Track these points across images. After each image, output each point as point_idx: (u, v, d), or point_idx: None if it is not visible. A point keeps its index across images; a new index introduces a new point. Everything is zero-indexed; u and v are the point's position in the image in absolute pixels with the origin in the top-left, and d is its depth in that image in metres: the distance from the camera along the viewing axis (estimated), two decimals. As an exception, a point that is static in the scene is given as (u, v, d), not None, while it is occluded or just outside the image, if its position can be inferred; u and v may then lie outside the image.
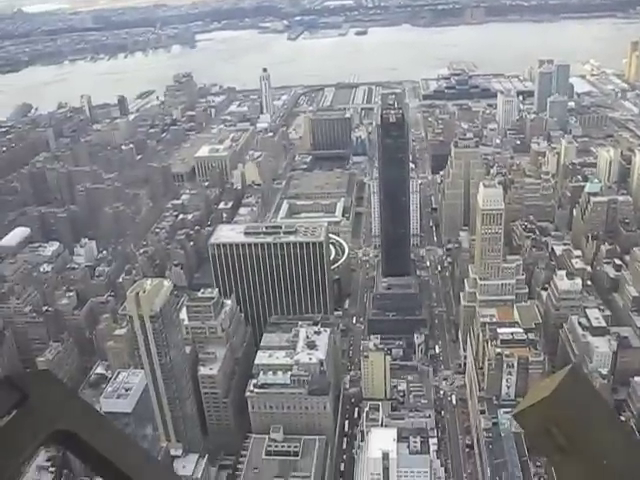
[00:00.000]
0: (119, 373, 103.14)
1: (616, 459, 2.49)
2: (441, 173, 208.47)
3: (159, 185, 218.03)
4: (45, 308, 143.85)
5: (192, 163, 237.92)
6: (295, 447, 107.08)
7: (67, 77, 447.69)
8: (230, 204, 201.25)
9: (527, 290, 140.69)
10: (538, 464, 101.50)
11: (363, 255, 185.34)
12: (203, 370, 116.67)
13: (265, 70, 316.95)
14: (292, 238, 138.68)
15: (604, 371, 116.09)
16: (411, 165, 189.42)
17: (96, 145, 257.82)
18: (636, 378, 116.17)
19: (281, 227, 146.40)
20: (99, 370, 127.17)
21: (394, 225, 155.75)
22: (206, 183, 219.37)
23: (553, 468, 2.71)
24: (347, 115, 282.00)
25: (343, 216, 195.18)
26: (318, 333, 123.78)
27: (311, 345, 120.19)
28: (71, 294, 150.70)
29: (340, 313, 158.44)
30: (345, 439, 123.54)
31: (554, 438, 2.58)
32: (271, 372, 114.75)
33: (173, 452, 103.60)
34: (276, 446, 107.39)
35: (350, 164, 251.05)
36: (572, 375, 2.71)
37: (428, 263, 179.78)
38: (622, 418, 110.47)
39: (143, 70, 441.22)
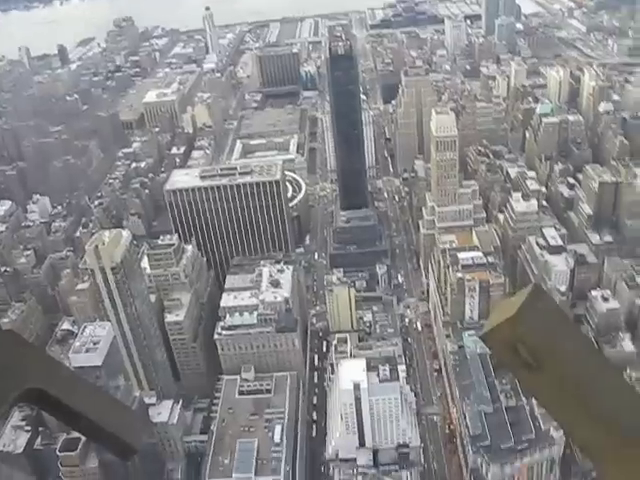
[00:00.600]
0: (85, 327, 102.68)
1: (581, 371, 2.62)
2: (393, 103, 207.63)
3: (108, 134, 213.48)
4: (3, 269, 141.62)
5: (140, 110, 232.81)
6: (267, 385, 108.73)
7: (1, 29, 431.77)
8: (182, 149, 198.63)
9: (484, 214, 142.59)
10: (504, 382, 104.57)
11: (320, 190, 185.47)
12: (169, 317, 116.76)
13: (208, 9, 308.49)
14: (248, 179, 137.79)
15: (562, 288, 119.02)
16: (362, 97, 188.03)
17: (39, 98, 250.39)
18: (593, 292, 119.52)
19: (236, 168, 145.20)
20: (65, 326, 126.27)
21: (349, 158, 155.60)
22: (156, 129, 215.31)
23: (521, 384, 2.82)
24: (295, 50, 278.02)
25: (297, 153, 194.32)
26: (281, 271, 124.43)
27: (275, 283, 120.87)
28: (29, 252, 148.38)
29: (302, 250, 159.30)
30: (316, 373, 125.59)
31: (520, 356, 2.67)
32: (237, 313, 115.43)
33: (147, 400, 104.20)
34: (248, 385, 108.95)
35: (301, 99, 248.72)
36: (535, 293, 2.75)
37: (386, 194, 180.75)
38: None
39: (81, 17, 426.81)
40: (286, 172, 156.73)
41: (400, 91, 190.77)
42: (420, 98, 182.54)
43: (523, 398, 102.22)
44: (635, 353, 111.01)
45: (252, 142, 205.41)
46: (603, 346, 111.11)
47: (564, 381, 2.63)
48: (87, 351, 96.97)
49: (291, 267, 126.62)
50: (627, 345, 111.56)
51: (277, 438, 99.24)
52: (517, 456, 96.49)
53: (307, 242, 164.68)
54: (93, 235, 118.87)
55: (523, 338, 2.64)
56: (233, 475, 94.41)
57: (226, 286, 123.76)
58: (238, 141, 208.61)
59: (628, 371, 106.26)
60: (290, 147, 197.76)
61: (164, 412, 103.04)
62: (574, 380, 2.63)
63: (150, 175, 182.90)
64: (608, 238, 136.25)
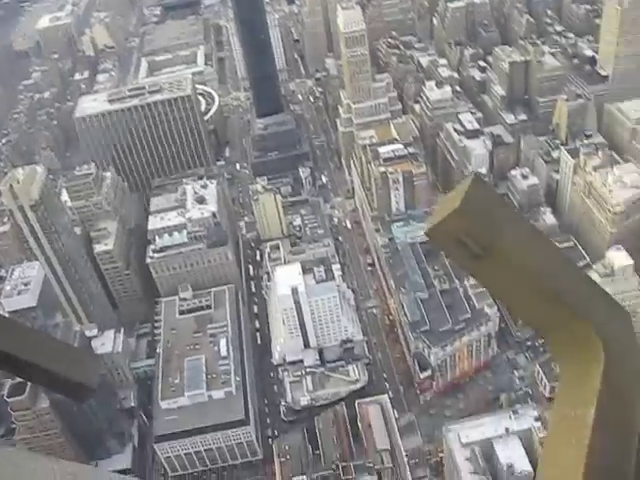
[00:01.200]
0: (13, 270, 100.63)
1: (528, 254, 2.76)
2: (297, 3, 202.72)
3: (4, 67, 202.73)
4: None
5: (35, 37, 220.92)
6: (206, 301, 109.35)
7: None
8: (86, 73, 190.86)
9: (400, 106, 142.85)
10: (436, 267, 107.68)
11: (234, 100, 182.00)
12: (98, 247, 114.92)
13: None
14: (159, 97, 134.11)
15: (483, 170, 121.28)
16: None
17: None
18: (512, 172, 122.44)
19: (145, 87, 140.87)
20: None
21: (259, 64, 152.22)
22: (55, 56, 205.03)
23: (470, 274, 2.92)
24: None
25: (206, 64, 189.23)
26: (205, 187, 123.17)
27: (200, 200, 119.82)
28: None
29: (223, 162, 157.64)
30: (253, 283, 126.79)
31: (468, 247, 2.73)
32: (167, 234, 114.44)
33: (88, 333, 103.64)
34: (188, 304, 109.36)
35: (203, 9, 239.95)
36: (475, 183, 2.79)
37: (300, 96, 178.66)
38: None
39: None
40: (197, 85, 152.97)
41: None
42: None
43: (456, 280, 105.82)
44: (557, 225, 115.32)
45: (157, 58, 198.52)
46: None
47: (512, 266, 2.74)
48: (19, 293, 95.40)
49: (214, 181, 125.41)
50: (549, 218, 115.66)
51: (223, 351, 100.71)
52: (456, 336, 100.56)
53: (227, 154, 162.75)
54: (6, 175, 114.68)
55: (469, 229, 2.70)
56: (185, 394, 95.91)
57: (151, 208, 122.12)
58: (143, 59, 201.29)
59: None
60: (197, 59, 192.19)
61: (107, 343, 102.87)
62: (522, 264, 2.75)
63: (56, 105, 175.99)
64: (522, 117, 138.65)
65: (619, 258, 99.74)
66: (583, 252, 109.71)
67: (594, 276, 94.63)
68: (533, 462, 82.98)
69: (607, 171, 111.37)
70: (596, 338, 2.79)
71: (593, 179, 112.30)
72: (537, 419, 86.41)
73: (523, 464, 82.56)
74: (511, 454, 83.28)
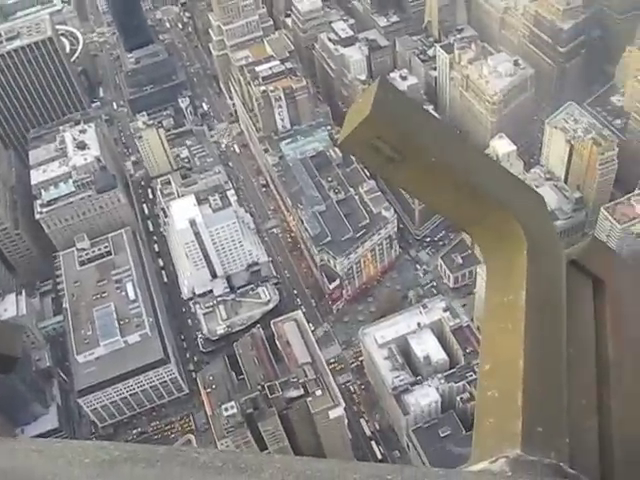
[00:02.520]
0: None
1: (443, 152, 2.81)
2: None
3: None
4: None
5: None
6: (105, 247, 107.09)
7: None
8: None
9: (272, 22, 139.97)
10: (330, 179, 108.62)
11: (99, 37, 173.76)
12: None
13: None
14: (18, 43, 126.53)
15: (363, 77, 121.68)
16: None
17: None
18: (392, 74, 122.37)
19: (0, 34, 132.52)
20: None
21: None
22: None
23: (388, 179, 2.92)
24: None
25: (63, 2, 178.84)
26: (84, 131, 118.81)
27: (81, 145, 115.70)
28: None
29: (98, 104, 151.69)
30: (149, 222, 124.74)
31: (382, 152, 2.71)
32: (52, 187, 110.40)
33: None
34: (87, 254, 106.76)
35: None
36: (382, 87, 2.74)
37: (168, 24, 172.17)
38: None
39: None
40: (57, 26, 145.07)
41: None
42: None
43: (351, 189, 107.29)
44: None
45: (9, 1, 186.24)
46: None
47: (428, 164, 2.77)
48: None
49: (92, 124, 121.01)
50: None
51: (131, 295, 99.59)
52: (358, 243, 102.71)
53: (101, 94, 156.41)
54: None
55: (382, 134, 2.69)
56: (100, 344, 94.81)
57: (31, 162, 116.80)
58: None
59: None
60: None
61: (10, 307, 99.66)
62: (437, 161, 2.78)
63: None
64: (394, 19, 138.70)
65: (502, 145, 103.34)
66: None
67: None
68: (447, 350, 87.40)
69: (482, 63, 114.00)
70: (517, 224, 2.89)
71: (469, 72, 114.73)
72: (445, 310, 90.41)
73: (438, 354, 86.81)
74: (426, 346, 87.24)
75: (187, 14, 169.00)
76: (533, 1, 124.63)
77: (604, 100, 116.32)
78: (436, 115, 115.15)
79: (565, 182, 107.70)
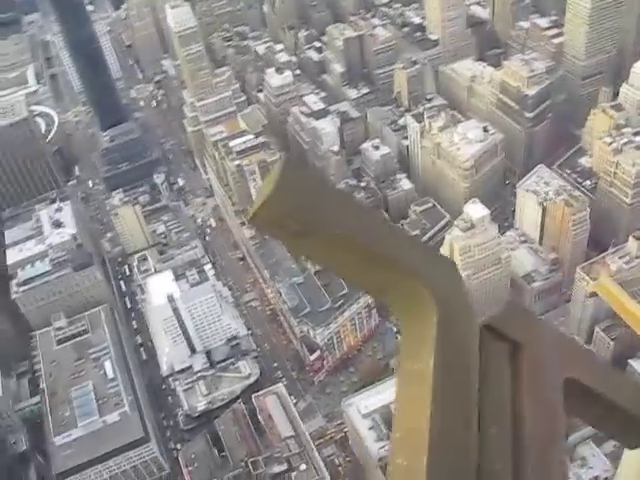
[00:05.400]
0: None
1: (350, 224, 2.83)
2: (123, 7, 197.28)
3: None
4: None
5: None
6: (82, 326, 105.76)
7: None
8: None
9: (245, 97, 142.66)
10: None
11: (74, 116, 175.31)
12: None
13: None
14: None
15: (335, 148, 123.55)
16: (89, 7, 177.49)
17: None
18: (364, 145, 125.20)
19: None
20: None
21: (94, 75, 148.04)
22: None
23: (298, 252, 2.92)
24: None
25: (38, 83, 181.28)
26: (60, 210, 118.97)
27: (57, 224, 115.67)
28: None
29: (74, 182, 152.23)
30: (127, 299, 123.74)
31: (288, 227, 2.73)
32: (28, 265, 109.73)
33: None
34: (64, 332, 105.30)
35: (25, 26, 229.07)
36: (286, 165, 2.77)
37: (142, 102, 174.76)
38: (362, 184, 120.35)
39: None
40: (32, 107, 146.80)
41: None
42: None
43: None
44: (413, 189, 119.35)
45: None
46: (386, 192, 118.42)
47: (334, 237, 2.79)
48: None
49: (68, 203, 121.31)
50: (405, 184, 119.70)
51: (110, 373, 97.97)
52: (337, 314, 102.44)
53: (77, 172, 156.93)
54: None
55: (286, 211, 2.71)
56: (78, 424, 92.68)
57: (7, 242, 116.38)
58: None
59: (412, 207, 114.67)
60: (28, 79, 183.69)
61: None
62: (343, 234, 2.80)
63: None
64: (364, 90, 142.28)
65: (476, 210, 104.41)
66: (442, 210, 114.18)
67: (455, 232, 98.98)
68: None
69: (452, 130, 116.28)
70: (426, 292, 2.89)
71: (440, 140, 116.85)
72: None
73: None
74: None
75: (161, 92, 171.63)
76: (499, 69, 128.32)
77: (573, 162, 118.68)
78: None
79: (540, 244, 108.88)
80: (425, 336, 2.90)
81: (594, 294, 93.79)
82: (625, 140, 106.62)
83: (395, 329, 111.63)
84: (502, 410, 3.03)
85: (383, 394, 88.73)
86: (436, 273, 3.02)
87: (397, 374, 3.03)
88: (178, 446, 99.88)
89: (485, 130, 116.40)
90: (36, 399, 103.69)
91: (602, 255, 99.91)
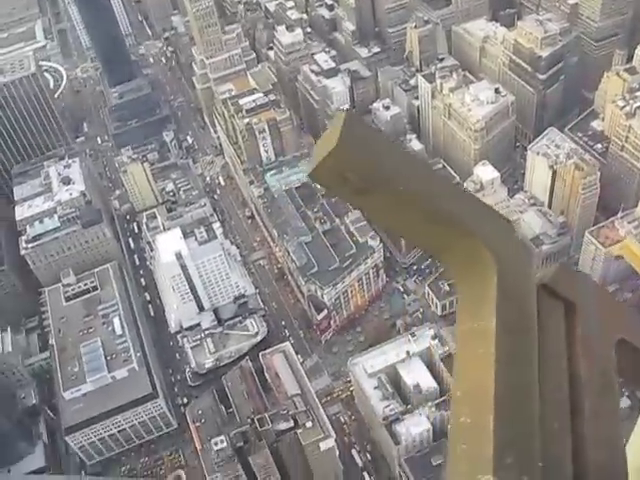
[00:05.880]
0: None
1: (411, 181, 2.84)
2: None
3: None
4: None
5: None
6: (91, 282, 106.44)
7: None
8: None
9: (254, 55, 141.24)
10: (315, 209, 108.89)
11: (83, 72, 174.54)
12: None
13: None
14: (1, 79, 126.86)
15: (346, 107, 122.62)
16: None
17: None
18: (374, 104, 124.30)
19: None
20: None
21: (103, 31, 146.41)
22: None
23: (358, 209, 2.96)
24: None
25: (46, 39, 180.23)
26: (68, 166, 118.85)
27: (66, 181, 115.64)
28: None
29: (83, 139, 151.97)
30: (135, 256, 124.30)
31: (351, 184, 2.72)
32: (37, 222, 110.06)
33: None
34: (73, 289, 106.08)
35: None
36: (348, 118, 2.76)
37: (151, 59, 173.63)
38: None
39: None
40: (41, 62, 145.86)
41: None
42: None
43: (336, 219, 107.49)
44: (424, 149, 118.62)
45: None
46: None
47: (397, 194, 2.80)
48: None
49: (77, 159, 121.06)
50: (415, 144, 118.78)
51: (118, 330, 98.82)
52: (345, 273, 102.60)
53: (86, 129, 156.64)
54: None
55: (350, 166, 2.70)
56: (87, 379, 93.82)
57: (16, 198, 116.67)
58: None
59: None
60: (36, 34, 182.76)
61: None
62: (406, 190, 2.81)
63: None
64: (376, 49, 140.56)
65: (486, 172, 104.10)
66: (452, 172, 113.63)
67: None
68: (437, 378, 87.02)
69: (463, 91, 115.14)
70: (486, 251, 2.92)
71: (451, 101, 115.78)
72: (434, 337, 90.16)
73: (428, 382, 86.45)
74: (415, 375, 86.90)
75: (170, 48, 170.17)
76: (512, 30, 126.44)
77: (584, 125, 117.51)
78: (408, 145, 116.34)
79: (549, 207, 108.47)
80: (486, 295, 2.92)
81: (620, 256, 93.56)
82: (638, 104, 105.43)
83: (402, 289, 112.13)
84: (559, 368, 3.06)
85: (389, 354, 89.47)
86: (496, 231, 3.04)
87: (456, 333, 3.06)
88: (185, 402, 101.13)
89: (497, 91, 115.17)
90: (45, 354, 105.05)
91: (611, 219, 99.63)
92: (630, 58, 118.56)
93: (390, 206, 2.85)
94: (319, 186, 2.92)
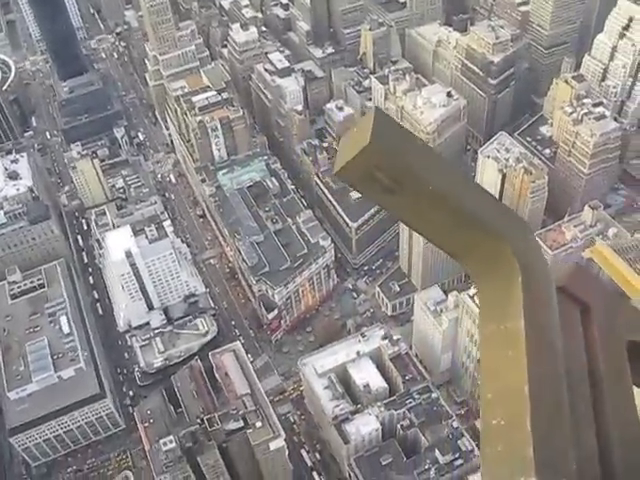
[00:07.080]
0: None
1: (440, 182, 2.84)
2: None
3: None
4: None
5: None
6: (38, 280, 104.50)
7: None
8: None
9: (208, 52, 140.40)
10: (267, 209, 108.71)
11: (32, 66, 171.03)
12: None
13: None
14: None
15: (299, 107, 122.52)
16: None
17: None
18: (328, 105, 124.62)
19: None
20: None
21: (53, 23, 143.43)
22: None
23: (386, 209, 2.91)
24: None
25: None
26: (16, 161, 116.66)
27: (13, 176, 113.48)
28: None
29: (31, 133, 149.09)
30: (84, 253, 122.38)
31: (380, 182, 2.72)
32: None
33: None
34: (18, 287, 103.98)
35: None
36: (379, 117, 2.74)
37: (103, 54, 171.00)
38: (325, 144, 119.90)
39: None
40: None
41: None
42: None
43: (288, 219, 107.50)
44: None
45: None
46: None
47: (425, 194, 2.79)
48: None
49: (25, 154, 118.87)
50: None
51: (65, 329, 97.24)
52: (296, 273, 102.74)
53: (34, 123, 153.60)
54: None
55: (380, 164, 2.69)
56: (33, 380, 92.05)
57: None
58: None
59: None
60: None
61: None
62: (434, 191, 2.80)
63: None
64: (330, 50, 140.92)
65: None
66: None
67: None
68: (386, 378, 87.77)
69: (416, 94, 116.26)
70: (510, 252, 2.94)
71: (404, 103, 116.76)
72: (384, 337, 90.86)
73: (378, 382, 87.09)
74: (365, 375, 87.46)
75: (123, 44, 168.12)
76: (465, 35, 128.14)
77: (534, 130, 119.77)
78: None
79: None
80: (511, 296, 2.93)
81: (590, 260, 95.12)
82: (585, 111, 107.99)
83: (353, 289, 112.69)
84: (581, 368, 3.12)
85: (339, 354, 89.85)
86: (517, 233, 3.07)
87: (480, 336, 3.06)
88: (134, 402, 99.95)
89: (449, 95, 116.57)
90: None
91: (558, 223, 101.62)
92: (578, 66, 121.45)
93: (418, 206, 2.86)
94: (347, 184, 2.88)
